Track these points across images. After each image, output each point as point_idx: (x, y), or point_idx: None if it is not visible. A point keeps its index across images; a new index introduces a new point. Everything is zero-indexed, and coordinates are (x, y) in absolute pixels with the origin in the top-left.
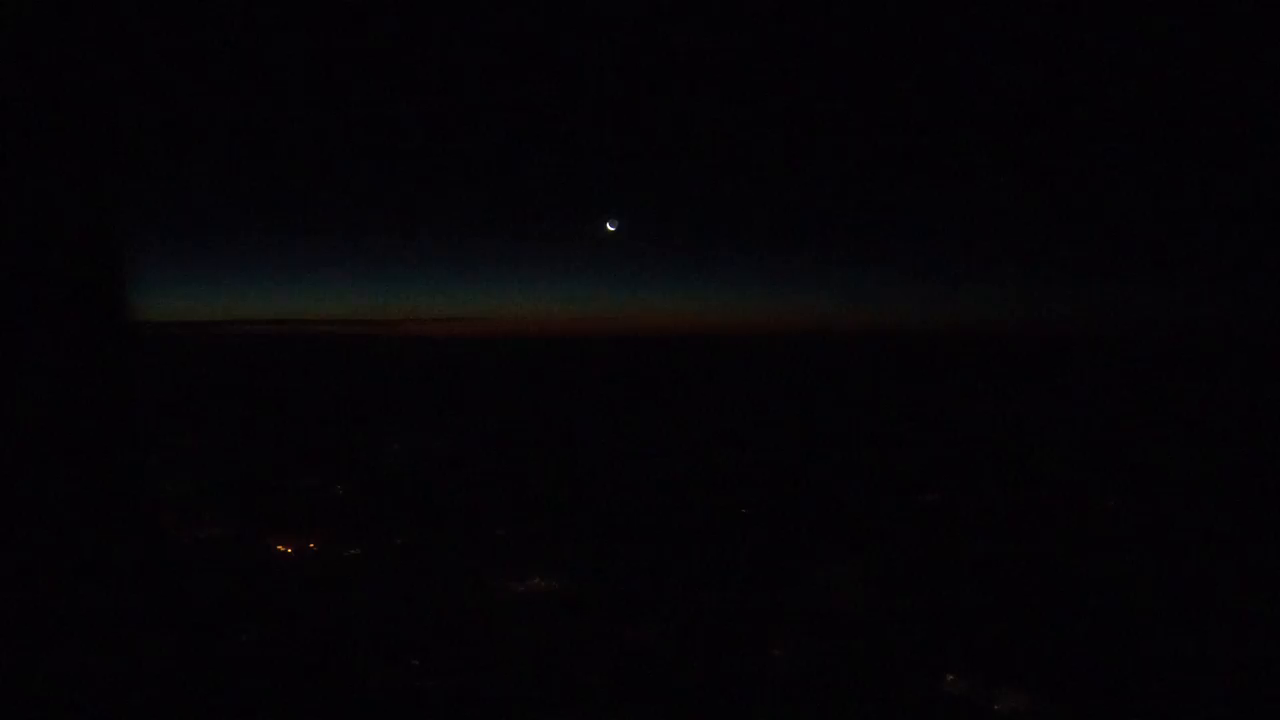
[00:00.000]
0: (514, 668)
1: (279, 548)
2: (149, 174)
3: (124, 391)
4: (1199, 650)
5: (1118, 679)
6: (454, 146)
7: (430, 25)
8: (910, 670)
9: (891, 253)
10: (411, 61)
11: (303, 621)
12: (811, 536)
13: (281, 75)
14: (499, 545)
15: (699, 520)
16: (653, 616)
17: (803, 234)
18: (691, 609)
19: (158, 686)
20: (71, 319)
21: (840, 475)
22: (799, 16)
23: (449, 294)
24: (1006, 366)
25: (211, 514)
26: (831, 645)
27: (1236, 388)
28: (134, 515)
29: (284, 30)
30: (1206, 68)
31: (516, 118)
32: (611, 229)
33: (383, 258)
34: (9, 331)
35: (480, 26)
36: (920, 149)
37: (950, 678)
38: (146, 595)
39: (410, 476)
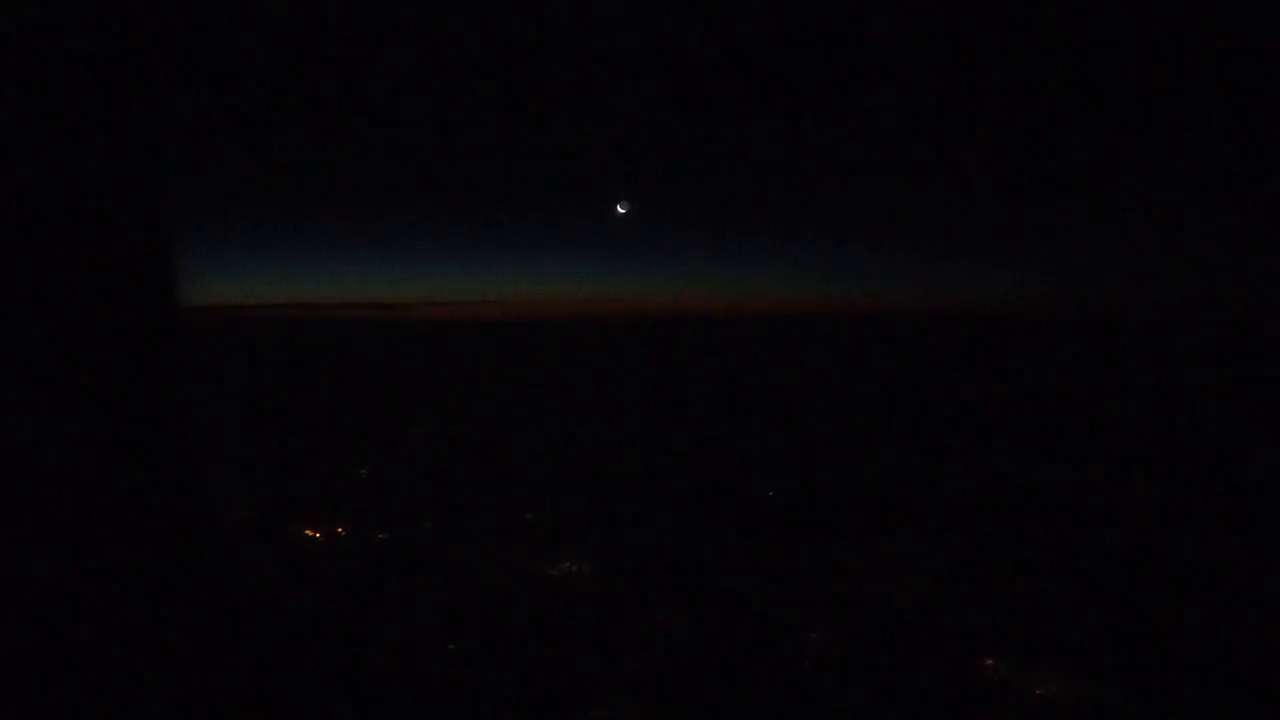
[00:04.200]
0: (548, 652)
1: (307, 533)
2: (194, 161)
3: (179, 381)
4: (1240, 632)
5: (1158, 662)
6: (470, 132)
7: (447, 13)
8: (947, 654)
9: (904, 237)
10: (429, 49)
11: (337, 607)
12: (840, 520)
13: (301, 64)
14: (528, 528)
15: (726, 503)
16: (684, 599)
17: (816, 219)
18: (723, 592)
19: (201, 672)
20: (124, 309)
21: (866, 458)
22: (802, 11)
23: (466, 278)
24: (1025, 348)
25: (237, 500)
26: (866, 629)
27: (1258, 369)
28: (194, 506)
29: (302, 20)
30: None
31: (531, 104)
32: (622, 211)
33: (400, 243)
34: (62, 326)
35: (497, 14)
36: (921, 138)
37: (989, 662)
38: (207, 586)
39: (434, 459)
